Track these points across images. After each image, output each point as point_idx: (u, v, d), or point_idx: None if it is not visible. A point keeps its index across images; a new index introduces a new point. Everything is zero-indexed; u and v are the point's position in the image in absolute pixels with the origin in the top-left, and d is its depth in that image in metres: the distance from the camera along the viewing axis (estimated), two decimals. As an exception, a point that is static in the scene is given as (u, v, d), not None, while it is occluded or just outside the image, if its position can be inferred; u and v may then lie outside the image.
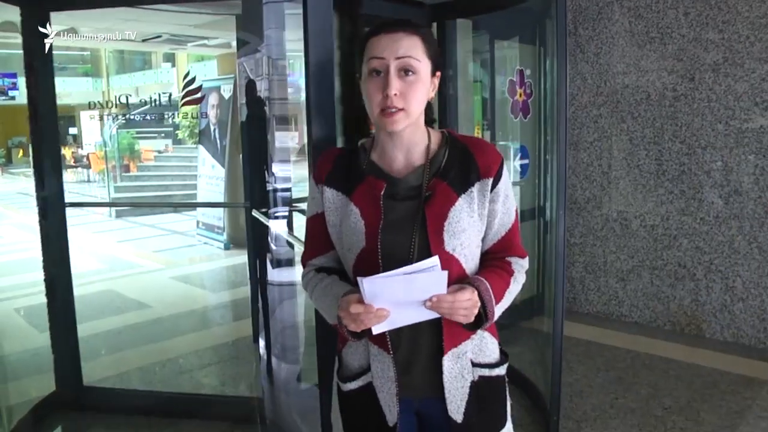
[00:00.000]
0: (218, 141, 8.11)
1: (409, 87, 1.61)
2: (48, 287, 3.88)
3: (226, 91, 7.37)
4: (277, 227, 3.64)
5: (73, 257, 4.03)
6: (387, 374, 1.70)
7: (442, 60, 1.72)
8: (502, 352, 1.82)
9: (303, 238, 1.87)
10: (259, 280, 4.03)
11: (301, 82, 2.81)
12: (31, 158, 3.86)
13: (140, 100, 4.00)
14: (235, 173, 7.65)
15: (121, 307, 6.44)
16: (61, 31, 3.77)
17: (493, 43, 5.02)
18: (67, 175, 14.12)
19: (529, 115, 4.81)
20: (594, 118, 5.57)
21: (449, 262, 1.62)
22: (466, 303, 1.55)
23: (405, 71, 1.60)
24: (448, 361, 1.68)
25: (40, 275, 3.90)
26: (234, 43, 5.38)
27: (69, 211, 3.90)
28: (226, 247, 8.46)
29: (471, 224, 1.66)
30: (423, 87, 1.64)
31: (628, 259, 5.54)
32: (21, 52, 3.71)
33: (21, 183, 13.34)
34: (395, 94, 1.59)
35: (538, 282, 4.82)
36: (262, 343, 3.87)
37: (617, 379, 4.39)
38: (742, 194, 4.84)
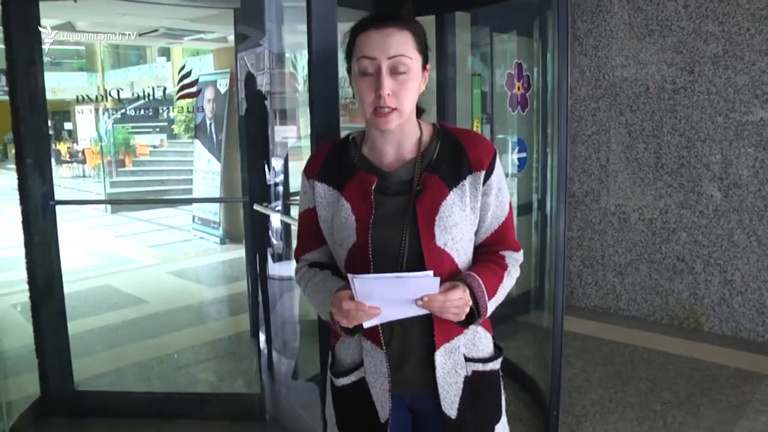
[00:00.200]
0: (214, 135, 8.09)
1: (401, 86, 1.59)
2: (33, 289, 3.74)
3: (222, 86, 7.36)
4: (280, 221, 3.63)
5: (69, 253, 4.00)
6: (380, 370, 1.69)
7: (429, 51, 1.69)
8: (496, 346, 1.81)
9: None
10: (259, 275, 4.00)
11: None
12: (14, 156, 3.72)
13: (133, 94, 3.96)
14: (231, 168, 7.64)
15: (118, 302, 6.42)
16: (57, 25, 3.73)
17: (492, 36, 5.00)
18: (62, 170, 14.15)
19: (527, 108, 4.80)
20: (592, 111, 5.55)
21: (441, 257, 1.62)
22: (458, 302, 1.54)
23: (396, 71, 1.58)
24: (440, 357, 1.67)
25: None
26: (231, 38, 5.36)
27: (65, 206, 3.85)
28: (222, 242, 8.44)
29: (463, 218, 1.64)
30: (415, 84, 1.63)
31: (626, 253, 5.52)
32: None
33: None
34: (388, 94, 1.57)
35: (535, 276, 4.81)
36: (262, 337, 3.85)
37: (616, 374, 4.37)
38: (742, 187, 4.82)
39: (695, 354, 4.65)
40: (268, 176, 3.88)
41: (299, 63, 4.54)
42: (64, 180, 13.70)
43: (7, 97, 3.48)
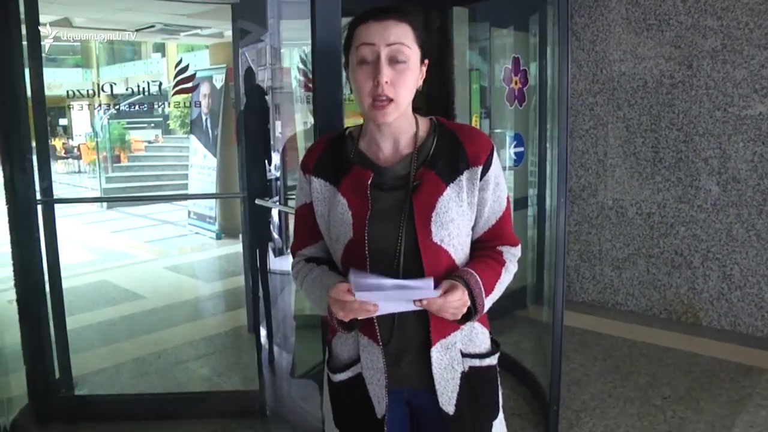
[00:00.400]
0: (210, 131, 8.08)
1: (399, 76, 1.59)
2: (19, 292, 3.64)
3: (218, 81, 7.34)
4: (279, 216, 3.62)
5: (65, 248, 3.98)
6: (376, 365, 1.69)
7: (430, 47, 1.68)
8: (493, 341, 1.81)
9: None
10: (260, 270, 3.99)
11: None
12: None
13: (127, 89, 3.93)
14: (227, 163, 7.63)
15: (116, 298, 6.41)
16: (54, 21, 3.70)
17: (491, 31, 4.99)
18: (58, 166, 14.11)
19: (524, 103, 4.80)
20: (590, 105, 5.54)
21: (437, 253, 1.61)
22: (456, 303, 1.54)
23: (395, 60, 1.58)
24: (436, 353, 1.67)
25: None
26: (227, 33, 5.33)
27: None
28: (218, 237, 8.43)
29: (460, 214, 1.64)
30: (413, 76, 1.62)
31: (623, 247, 5.52)
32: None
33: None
34: (386, 82, 1.57)
35: (532, 270, 4.81)
36: (263, 332, 3.84)
37: (615, 368, 4.37)
38: (740, 181, 4.82)
39: (694, 349, 4.65)
40: (268, 171, 3.87)
41: (294, 58, 4.54)
42: (59, 176, 13.66)
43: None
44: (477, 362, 1.72)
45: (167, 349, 4.92)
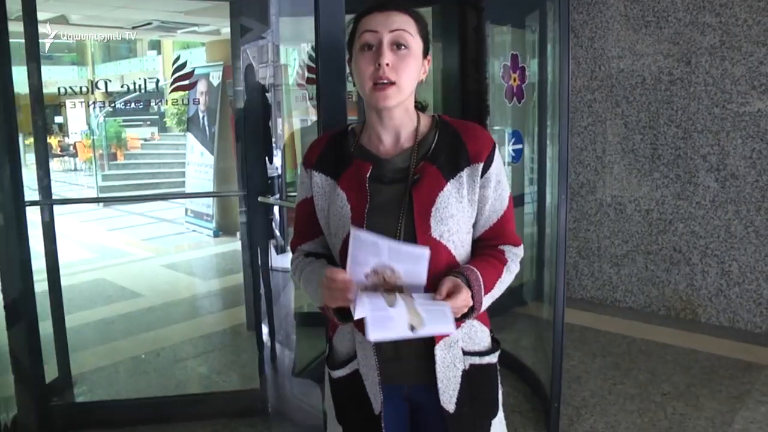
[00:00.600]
0: (207, 128, 8.09)
1: (401, 60, 1.59)
2: (7, 297, 3.45)
3: (215, 78, 7.34)
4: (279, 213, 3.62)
5: (62, 246, 3.96)
6: (371, 362, 1.68)
7: (429, 45, 1.69)
8: (493, 339, 1.80)
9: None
10: (261, 267, 3.98)
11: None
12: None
13: (123, 86, 3.90)
14: (224, 160, 7.64)
15: (113, 296, 6.40)
16: (51, 18, 3.67)
17: (489, 27, 4.99)
18: (54, 164, 14.08)
19: (522, 99, 4.80)
20: (588, 102, 5.54)
21: (437, 248, 1.60)
22: (460, 303, 1.53)
23: (398, 45, 1.59)
24: (440, 351, 1.66)
25: (35, 264, 3.80)
26: (224, 30, 5.32)
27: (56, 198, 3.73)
28: (215, 235, 8.44)
29: (459, 210, 1.63)
30: (415, 63, 1.62)
31: (622, 244, 5.52)
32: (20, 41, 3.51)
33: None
34: (387, 64, 1.57)
35: (531, 267, 4.81)
36: (265, 329, 3.83)
37: (614, 365, 4.38)
38: (739, 178, 4.82)
39: (693, 345, 4.66)
40: (269, 168, 3.86)
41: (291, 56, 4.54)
42: (55, 174, 13.63)
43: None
44: (477, 360, 1.72)
45: (166, 348, 4.91)
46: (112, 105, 4.22)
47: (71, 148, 14.03)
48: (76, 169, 14.35)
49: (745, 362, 4.35)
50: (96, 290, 6.54)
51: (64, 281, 4.08)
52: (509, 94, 4.77)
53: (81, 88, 3.80)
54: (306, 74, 4.57)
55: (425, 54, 1.67)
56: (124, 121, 11.78)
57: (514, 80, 4.75)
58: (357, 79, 1.64)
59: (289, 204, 3.80)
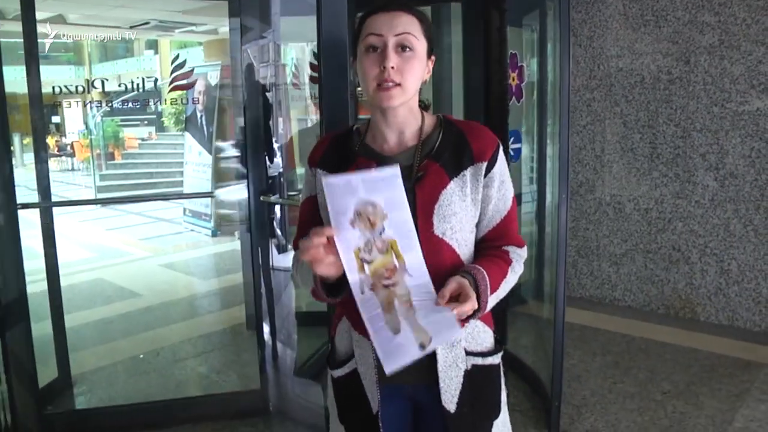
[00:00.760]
0: (205, 127, 8.07)
1: (406, 62, 1.59)
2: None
3: (213, 78, 7.33)
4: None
5: (60, 246, 3.96)
6: (368, 361, 1.68)
7: (433, 45, 1.70)
8: (496, 340, 1.80)
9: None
10: (262, 266, 3.97)
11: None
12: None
13: (120, 85, 3.88)
14: (222, 160, 7.62)
15: (112, 296, 6.39)
16: (48, 18, 3.65)
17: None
18: (51, 164, 14.06)
19: (521, 99, 4.79)
20: (587, 101, 5.55)
21: (439, 246, 1.60)
22: (467, 308, 1.51)
23: (402, 47, 1.59)
24: (442, 350, 1.66)
25: (34, 264, 3.79)
26: (222, 29, 5.31)
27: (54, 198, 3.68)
28: (214, 234, 8.43)
29: (463, 208, 1.63)
30: (419, 64, 1.62)
31: (621, 243, 5.53)
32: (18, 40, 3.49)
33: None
34: (392, 67, 1.57)
35: (531, 266, 4.80)
36: (266, 329, 3.83)
37: (614, 364, 4.38)
38: (738, 177, 4.83)
39: (693, 344, 4.66)
40: (270, 168, 3.85)
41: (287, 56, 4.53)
42: (52, 174, 13.61)
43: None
44: (480, 360, 1.72)
45: (165, 347, 4.90)
46: (110, 105, 4.20)
47: (68, 147, 14.01)
48: (73, 169, 14.33)
49: (744, 360, 4.36)
50: (95, 290, 6.53)
51: (63, 281, 4.08)
52: (508, 93, 4.76)
53: (78, 87, 3.77)
54: (310, 72, 4.57)
55: (429, 54, 1.67)
56: (122, 120, 11.78)
57: (513, 79, 4.74)
58: (361, 80, 1.64)
59: (289, 203, 3.80)
